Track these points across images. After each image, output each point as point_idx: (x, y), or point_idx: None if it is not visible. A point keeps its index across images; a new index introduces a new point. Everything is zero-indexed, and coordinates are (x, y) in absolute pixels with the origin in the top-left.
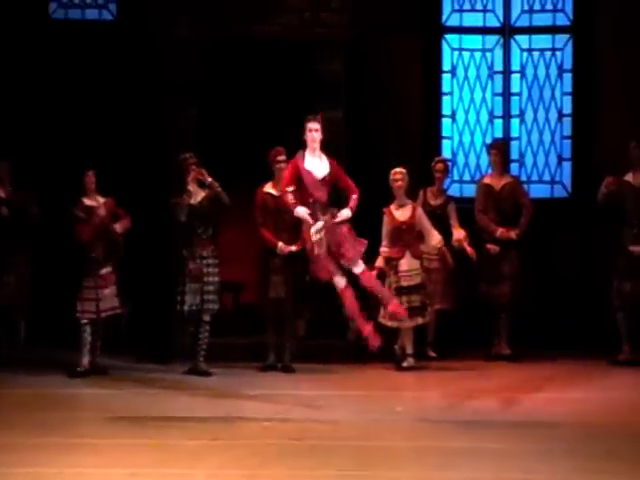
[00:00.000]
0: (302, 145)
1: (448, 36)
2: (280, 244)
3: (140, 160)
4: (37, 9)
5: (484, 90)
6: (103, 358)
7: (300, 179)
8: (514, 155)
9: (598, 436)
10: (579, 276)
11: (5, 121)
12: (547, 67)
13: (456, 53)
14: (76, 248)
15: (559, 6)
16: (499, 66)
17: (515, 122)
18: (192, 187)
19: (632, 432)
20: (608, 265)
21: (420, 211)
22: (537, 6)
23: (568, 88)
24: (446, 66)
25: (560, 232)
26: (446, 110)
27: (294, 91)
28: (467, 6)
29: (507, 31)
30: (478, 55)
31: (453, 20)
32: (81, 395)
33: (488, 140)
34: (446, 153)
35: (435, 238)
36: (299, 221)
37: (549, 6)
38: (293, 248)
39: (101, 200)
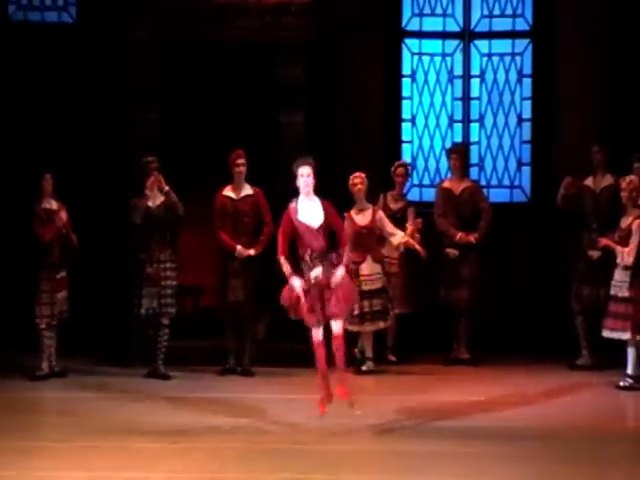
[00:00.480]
0: (290, 192)
1: (408, 40)
2: (239, 247)
3: (100, 163)
4: None
5: (444, 94)
6: (63, 361)
7: (295, 230)
8: (473, 159)
9: (558, 440)
10: (538, 280)
11: None
12: (507, 72)
13: (416, 57)
14: (33, 252)
15: (519, 11)
16: (459, 70)
17: (475, 126)
18: (150, 191)
19: (592, 436)
20: (567, 269)
21: (381, 214)
22: (497, 11)
23: (528, 93)
24: (406, 70)
25: (519, 236)
26: (406, 114)
27: (255, 94)
28: (427, 10)
29: (467, 36)
30: (438, 59)
31: (413, 24)
32: (41, 399)
33: (448, 144)
34: (406, 157)
35: (397, 238)
36: (258, 225)
37: (509, 11)
38: (252, 252)
39: (55, 205)
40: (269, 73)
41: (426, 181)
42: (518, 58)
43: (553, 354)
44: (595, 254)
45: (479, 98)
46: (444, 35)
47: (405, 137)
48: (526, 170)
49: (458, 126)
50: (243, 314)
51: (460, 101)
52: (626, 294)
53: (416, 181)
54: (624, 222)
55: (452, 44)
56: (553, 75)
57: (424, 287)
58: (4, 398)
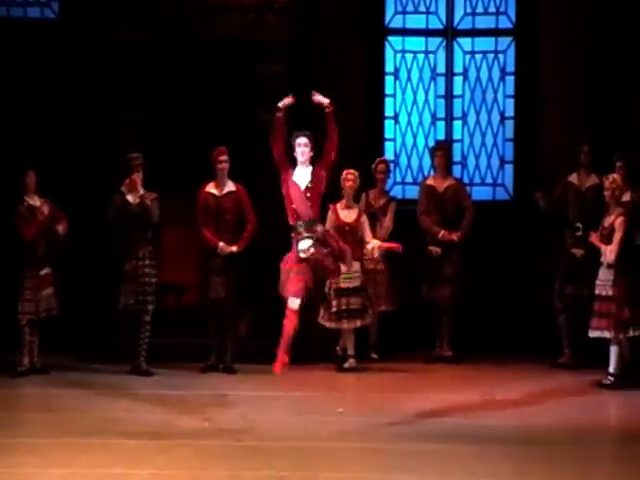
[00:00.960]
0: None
1: (391, 38)
2: (221, 244)
3: (84, 160)
4: None
5: (427, 92)
6: (45, 357)
7: (288, 194)
8: (456, 157)
9: (540, 439)
10: (521, 278)
11: None
12: (490, 69)
13: (399, 55)
14: (16, 248)
15: (502, 9)
16: (442, 68)
17: (457, 124)
18: (126, 190)
19: (573, 435)
20: (550, 267)
21: (365, 219)
22: (480, 9)
23: (510, 91)
24: (389, 68)
25: (502, 234)
26: (389, 112)
27: (238, 92)
28: (410, 8)
29: (450, 33)
30: (421, 57)
31: (396, 22)
32: (21, 395)
33: (431, 142)
34: (389, 155)
35: (370, 245)
36: (241, 222)
37: (492, 9)
38: (234, 248)
39: (38, 201)
40: (252, 70)
41: (409, 179)
42: (501, 56)
43: (535, 352)
44: (579, 252)
45: (462, 96)
46: (427, 33)
47: (388, 135)
48: (509, 168)
49: (441, 124)
50: (225, 311)
51: (443, 99)
52: (610, 293)
53: (399, 179)
54: (607, 220)
55: (435, 42)
56: (536, 73)
57: (407, 285)
58: None
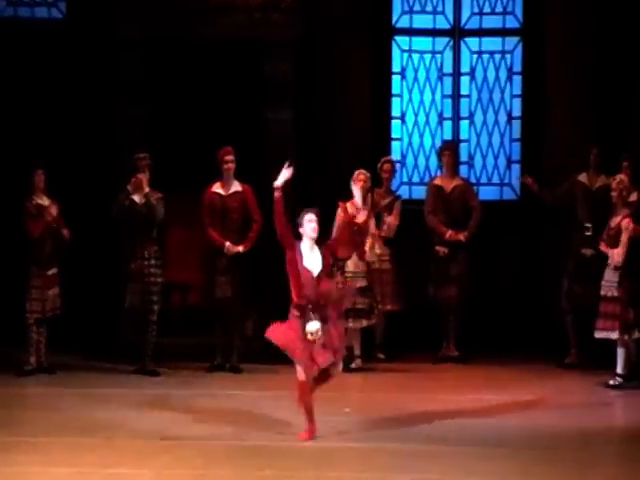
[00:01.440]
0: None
1: (398, 38)
2: (227, 244)
3: (90, 159)
4: None
5: (434, 92)
6: (51, 356)
7: (297, 273)
8: (463, 157)
9: (546, 439)
10: (527, 278)
11: None
12: (497, 69)
13: (406, 55)
14: (24, 247)
15: (509, 9)
16: (449, 68)
17: (464, 124)
18: (132, 189)
19: (578, 436)
20: (557, 267)
21: (372, 219)
22: (487, 9)
23: (517, 90)
24: (396, 68)
25: (508, 234)
26: (396, 111)
27: (243, 91)
28: (417, 8)
29: (457, 33)
30: (428, 57)
31: (403, 22)
32: (28, 394)
33: (437, 142)
34: (395, 154)
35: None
36: (247, 221)
37: (499, 9)
38: (240, 248)
39: (47, 201)
40: (257, 70)
41: (415, 179)
42: (508, 56)
43: (542, 352)
44: (588, 252)
45: (469, 96)
46: (434, 32)
47: (395, 134)
48: (515, 168)
49: (448, 124)
50: (231, 311)
51: (450, 99)
52: (615, 294)
53: (405, 179)
54: (614, 221)
55: (442, 41)
56: (543, 73)
57: (414, 285)
58: None
